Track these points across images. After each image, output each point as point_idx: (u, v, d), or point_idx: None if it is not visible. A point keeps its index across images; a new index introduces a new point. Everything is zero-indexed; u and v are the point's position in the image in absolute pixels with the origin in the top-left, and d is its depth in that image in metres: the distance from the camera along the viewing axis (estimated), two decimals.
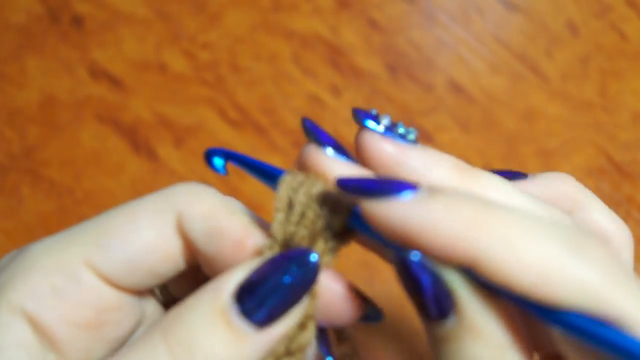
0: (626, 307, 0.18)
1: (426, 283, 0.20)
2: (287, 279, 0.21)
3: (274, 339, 0.21)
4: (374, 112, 0.23)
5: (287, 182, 0.23)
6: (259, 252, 0.23)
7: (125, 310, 0.25)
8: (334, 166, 0.23)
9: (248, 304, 0.21)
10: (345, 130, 0.55)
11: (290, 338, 0.21)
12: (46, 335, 0.23)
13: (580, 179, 0.26)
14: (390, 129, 0.23)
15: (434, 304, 0.20)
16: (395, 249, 0.20)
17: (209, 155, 0.25)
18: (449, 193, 0.20)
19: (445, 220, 0.19)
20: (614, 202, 0.53)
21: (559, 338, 0.20)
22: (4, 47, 0.59)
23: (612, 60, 0.58)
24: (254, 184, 0.49)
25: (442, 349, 0.21)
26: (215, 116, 0.56)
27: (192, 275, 0.26)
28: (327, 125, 0.55)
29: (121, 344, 0.25)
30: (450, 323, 0.20)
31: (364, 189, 0.20)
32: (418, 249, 0.20)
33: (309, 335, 0.21)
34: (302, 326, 0.21)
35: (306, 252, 0.22)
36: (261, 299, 0.21)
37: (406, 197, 0.20)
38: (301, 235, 0.22)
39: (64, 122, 0.55)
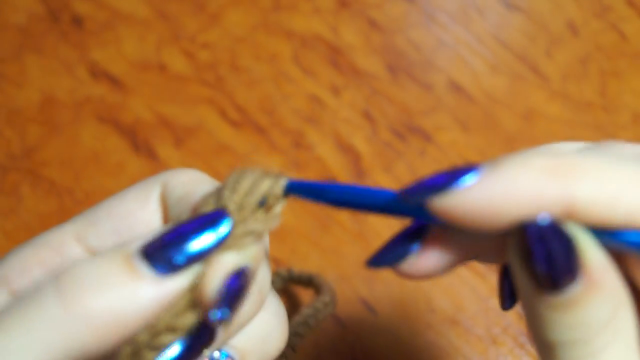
0: None
1: (558, 245, 0.19)
2: (192, 234, 0.20)
3: (170, 293, 0.20)
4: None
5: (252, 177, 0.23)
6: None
7: None
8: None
9: (152, 257, 0.20)
10: (345, 130, 0.54)
11: (176, 314, 0.20)
12: None
13: None
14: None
15: (564, 267, 0.19)
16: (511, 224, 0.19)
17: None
18: (514, 157, 0.19)
19: (523, 178, 0.18)
20: None
21: None
22: (4, 47, 0.59)
23: (612, 60, 0.58)
24: None
25: (559, 319, 0.19)
26: (215, 116, 0.56)
27: None
28: (327, 125, 0.55)
29: None
30: (573, 288, 0.19)
31: (432, 188, 0.20)
32: (519, 217, 0.19)
33: (192, 320, 0.20)
34: (192, 306, 0.20)
35: (217, 214, 0.21)
36: (166, 254, 0.20)
37: (474, 177, 0.19)
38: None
39: (64, 122, 0.55)
